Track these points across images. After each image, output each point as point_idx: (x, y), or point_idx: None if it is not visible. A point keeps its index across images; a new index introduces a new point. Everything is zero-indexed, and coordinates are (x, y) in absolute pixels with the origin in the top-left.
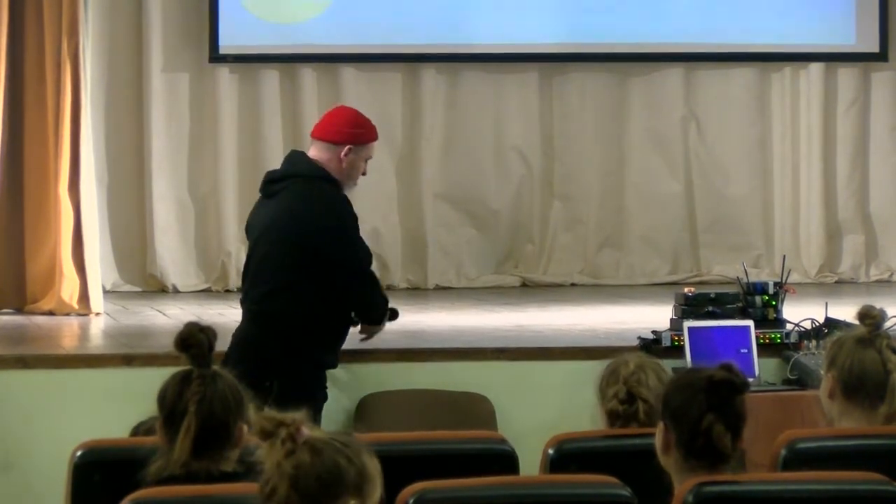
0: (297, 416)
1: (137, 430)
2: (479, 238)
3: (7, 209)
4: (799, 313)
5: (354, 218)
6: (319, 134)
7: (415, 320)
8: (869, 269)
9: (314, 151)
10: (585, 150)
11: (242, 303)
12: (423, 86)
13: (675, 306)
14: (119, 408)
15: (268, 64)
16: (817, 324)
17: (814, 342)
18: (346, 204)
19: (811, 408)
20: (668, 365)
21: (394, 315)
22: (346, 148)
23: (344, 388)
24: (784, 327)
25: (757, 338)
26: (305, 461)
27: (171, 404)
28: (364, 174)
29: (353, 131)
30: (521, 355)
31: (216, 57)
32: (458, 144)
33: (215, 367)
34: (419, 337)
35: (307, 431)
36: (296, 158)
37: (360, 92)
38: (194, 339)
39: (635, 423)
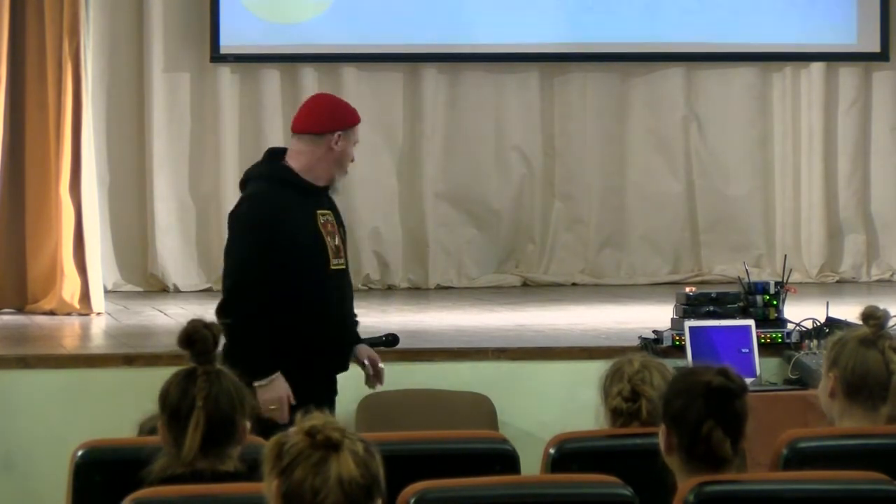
0: (336, 420)
1: (143, 429)
2: (480, 238)
3: (8, 209)
4: (800, 313)
5: (258, 218)
6: (302, 127)
7: (416, 320)
8: (870, 269)
9: (297, 145)
10: (586, 149)
11: None
12: (424, 85)
13: (676, 306)
14: (120, 408)
15: (269, 64)
16: (818, 323)
17: (815, 342)
18: (259, 202)
19: (812, 407)
20: (670, 365)
21: (394, 341)
22: (337, 135)
23: (344, 388)
24: (785, 327)
25: (758, 337)
26: (353, 467)
27: (176, 402)
28: (352, 160)
29: (341, 117)
30: (521, 355)
31: (217, 57)
32: (459, 144)
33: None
34: (420, 337)
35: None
36: (263, 159)
37: (361, 92)
38: (198, 335)
39: (637, 422)
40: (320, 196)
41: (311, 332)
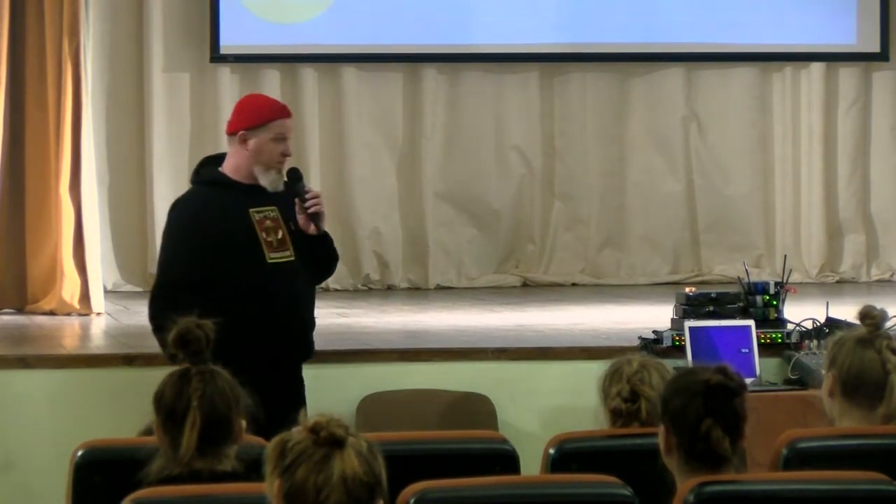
0: (341, 418)
1: (142, 432)
2: (479, 238)
3: (8, 209)
4: (800, 313)
5: (181, 224)
6: (226, 129)
7: (416, 320)
8: (870, 269)
9: (227, 147)
10: (586, 149)
11: None
12: (424, 86)
13: (675, 306)
14: (120, 408)
15: (269, 64)
16: (818, 323)
17: (815, 342)
18: (181, 208)
19: (812, 407)
20: (669, 365)
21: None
22: (241, 134)
23: (344, 388)
24: (785, 327)
25: (758, 337)
26: (356, 465)
27: (172, 403)
28: (287, 155)
29: (243, 117)
30: (521, 355)
31: (217, 57)
32: (459, 144)
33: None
34: (420, 337)
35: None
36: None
37: (361, 92)
38: (192, 336)
39: (637, 422)
40: (257, 194)
41: (256, 324)
